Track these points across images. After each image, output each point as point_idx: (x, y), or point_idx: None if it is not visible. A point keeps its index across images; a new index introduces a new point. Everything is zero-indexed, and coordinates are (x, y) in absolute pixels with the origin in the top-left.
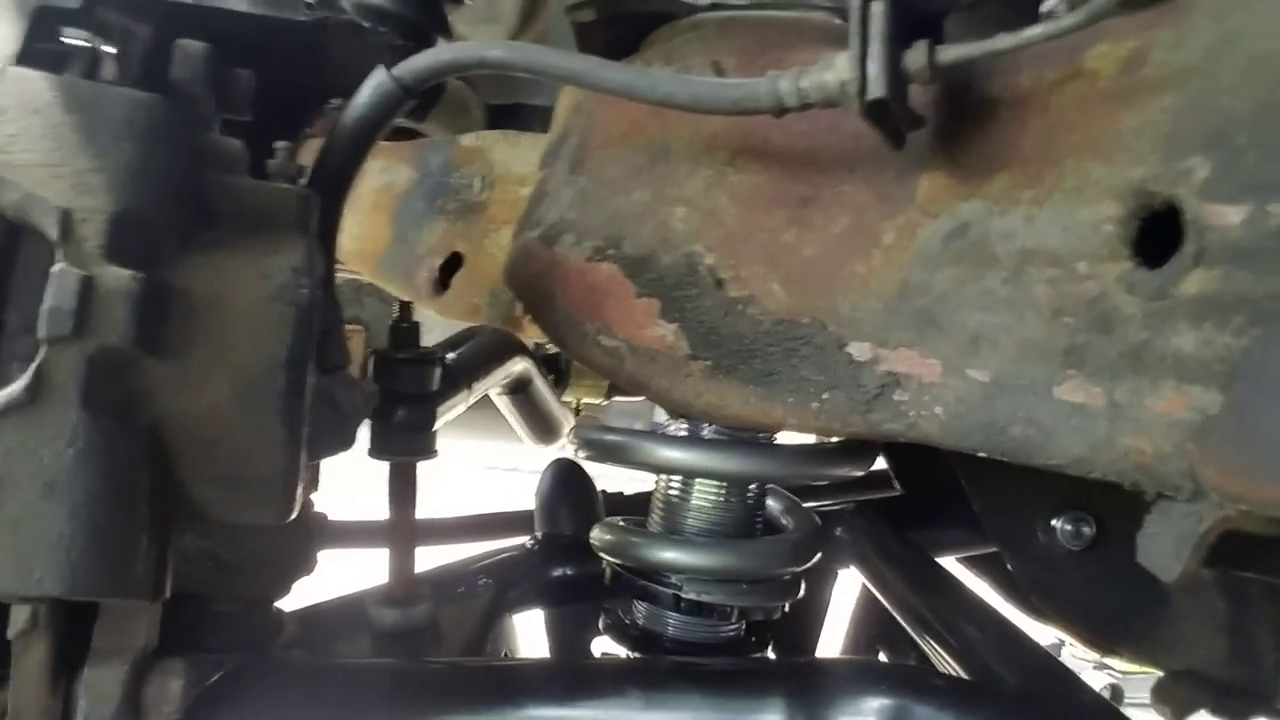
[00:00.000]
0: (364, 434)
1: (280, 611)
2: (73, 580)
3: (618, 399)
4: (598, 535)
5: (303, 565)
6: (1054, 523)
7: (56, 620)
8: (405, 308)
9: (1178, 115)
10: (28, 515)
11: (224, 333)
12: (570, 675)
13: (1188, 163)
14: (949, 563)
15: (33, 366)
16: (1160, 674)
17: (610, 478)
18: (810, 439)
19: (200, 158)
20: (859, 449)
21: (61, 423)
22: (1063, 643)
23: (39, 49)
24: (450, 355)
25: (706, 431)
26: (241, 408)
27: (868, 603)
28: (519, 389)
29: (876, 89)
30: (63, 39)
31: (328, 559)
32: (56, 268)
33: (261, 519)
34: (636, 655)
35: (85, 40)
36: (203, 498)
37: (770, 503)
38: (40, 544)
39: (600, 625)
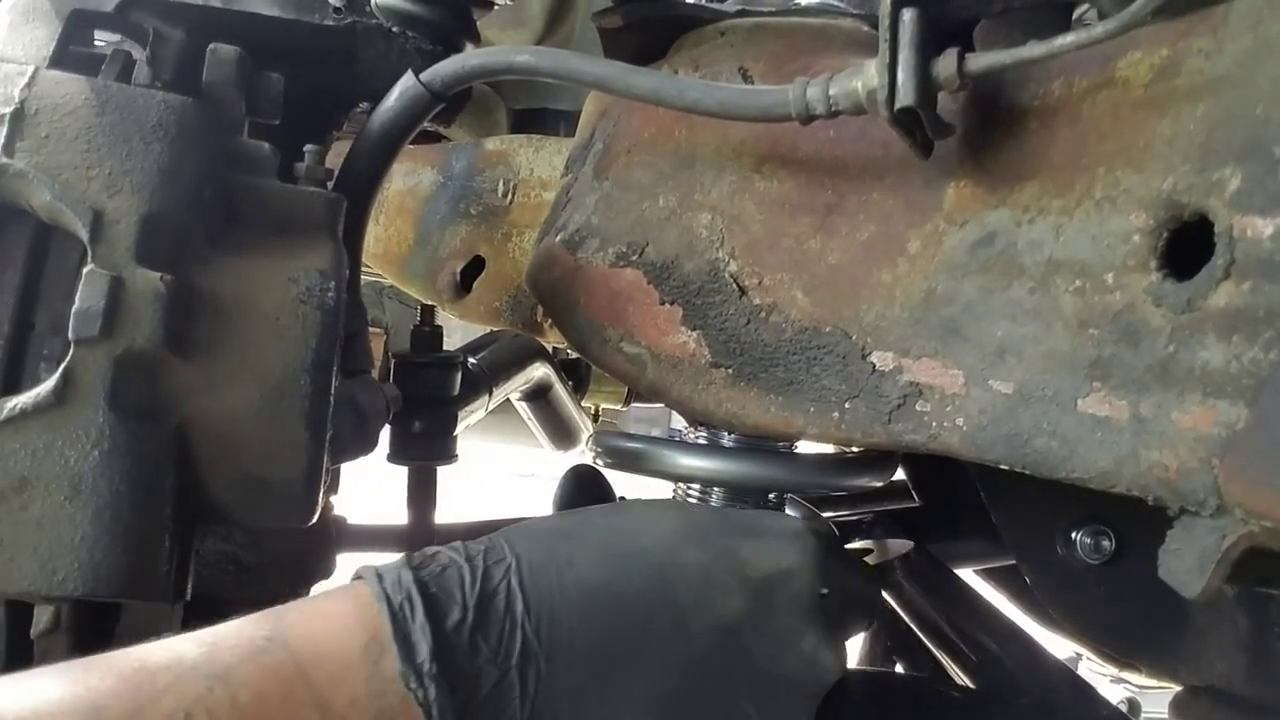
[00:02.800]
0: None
1: None
2: (95, 581)
3: (636, 405)
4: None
5: (322, 568)
6: (1074, 536)
7: (79, 620)
8: (428, 311)
9: (1211, 125)
10: (53, 515)
11: (250, 335)
12: None
13: (1220, 173)
14: (967, 574)
15: (61, 367)
16: (1178, 689)
17: (629, 484)
18: (830, 449)
19: (229, 161)
20: (879, 459)
21: (88, 424)
22: (1080, 656)
23: (73, 52)
24: (471, 359)
25: (726, 440)
26: (266, 410)
27: (885, 614)
28: (539, 394)
29: (905, 97)
30: (96, 42)
31: (346, 562)
32: (88, 268)
33: (283, 522)
34: None
35: (118, 44)
36: (225, 500)
37: (789, 512)
38: (64, 544)
39: None
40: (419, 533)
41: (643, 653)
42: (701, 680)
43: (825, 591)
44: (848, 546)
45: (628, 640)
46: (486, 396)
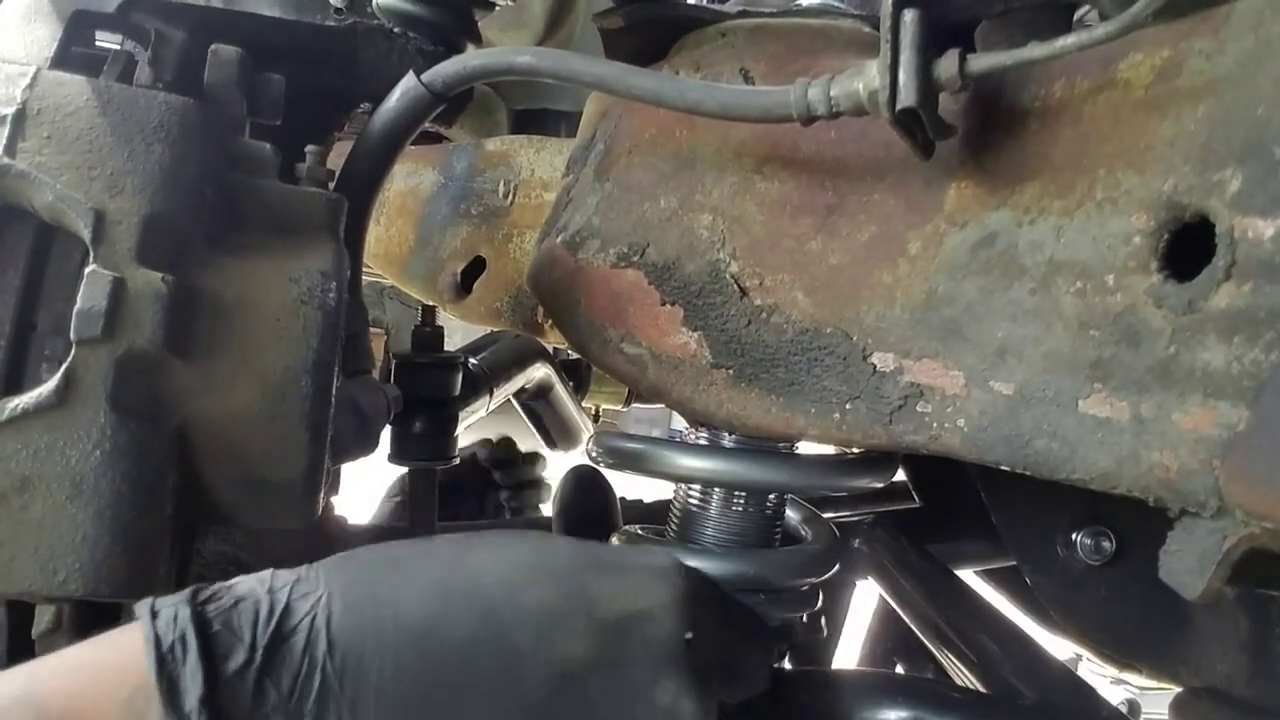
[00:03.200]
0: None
1: None
2: (96, 581)
3: (637, 405)
4: (616, 543)
5: None
6: (1074, 537)
7: (80, 621)
8: (429, 312)
9: (1212, 126)
10: (54, 516)
11: (251, 336)
12: None
13: (1221, 174)
14: (968, 575)
15: (62, 368)
16: (1179, 690)
17: (629, 484)
18: (830, 449)
19: (231, 161)
20: (880, 460)
21: (90, 424)
22: (1080, 656)
23: (74, 53)
24: (472, 360)
25: (727, 441)
26: (267, 411)
27: (885, 615)
28: (540, 394)
29: (907, 98)
30: (98, 43)
31: None
32: (89, 269)
33: (284, 522)
34: None
35: (120, 44)
36: (226, 500)
37: (789, 513)
38: (65, 544)
39: None
40: (420, 533)
41: (467, 701)
42: None
43: (689, 636)
44: None
45: (451, 686)
46: (487, 397)
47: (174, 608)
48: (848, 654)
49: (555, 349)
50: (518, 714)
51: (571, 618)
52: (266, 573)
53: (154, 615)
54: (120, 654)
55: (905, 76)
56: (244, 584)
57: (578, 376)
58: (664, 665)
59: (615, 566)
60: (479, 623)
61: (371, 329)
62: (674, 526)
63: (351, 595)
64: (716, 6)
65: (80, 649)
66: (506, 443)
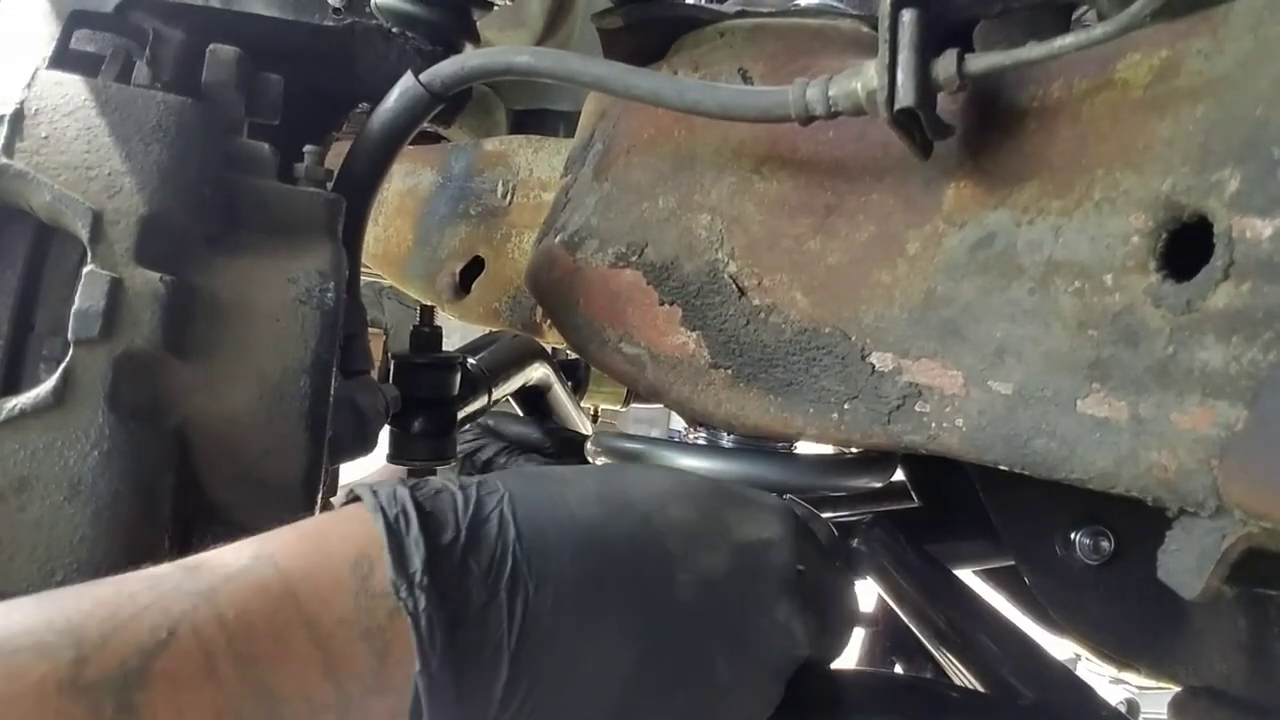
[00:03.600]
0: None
1: None
2: None
3: (635, 405)
4: None
5: None
6: (1073, 537)
7: None
8: (427, 312)
9: (1210, 126)
10: (52, 516)
11: (249, 336)
12: None
13: (1219, 174)
14: (966, 575)
15: (60, 368)
16: (1178, 689)
17: None
18: (829, 449)
19: (229, 161)
20: (878, 460)
21: (88, 424)
22: (1080, 656)
23: (72, 52)
24: (471, 360)
25: (725, 440)
26: (265, 411)
27: (884, 614)
28: (538, 395)
29: (905, 98)
30: (96, 43)
31: None
32: (87, 269)
33: (282, 523)
34: None
35: (118, 44)
36: (224, 500)
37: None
38: (63, 545)
39: None
40: None
41: (629, 594)
42: (682, 631)
43: (801, 568)
44: None
45: (615, 580)
46: (486, 397)
47: (391, 488)
48: (847, 654)
49: (554, 349)
50: (669, 609)
51: (712, 535)
52: (448, 475)
53: (374, 493)
54: (345, 524)
55: (903, 76)
56: (436, 480)
57: (576, 376)
58: (782, 587)
59: (741, 499)
60: (636, 528)
61: (370, 329)
62: None
63: (527, 497)
64: (715, 6)
65: (304, 523)
66: None
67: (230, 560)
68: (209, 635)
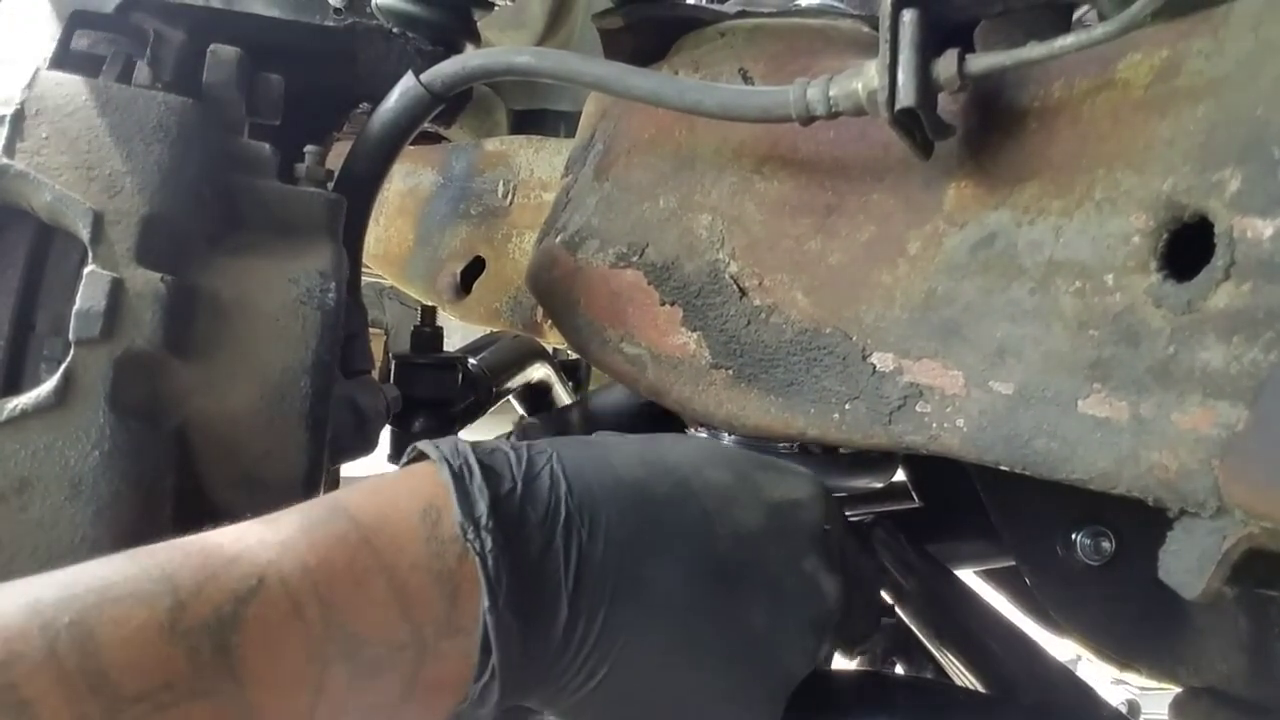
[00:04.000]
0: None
1: None
2: None
3: None
4: None
5: None
6: (1074, 537)
7: None
8: (428, 312)
9: (1211, 126)
10: (53, 516)
11: (250, 336)
12: None
13: (1220, 174)
14: (967, 575)
15: (61, 368)
16: (1178, 690)
17: None
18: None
19: (230, 161)
20: (879, 460)
21: (89, 425)
22: (1080, 657)
23: (73, 52)
24: (471, 360)
25: (726, 440)
26: (266, 411)
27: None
28: (539, 395)
29: (906, 98)
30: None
31: None
32: (88, 269)
33: None
34: None
35: (118, 45)
36: (225, 500)
37: None
38: (64, 545)
39: None
40: None
41: (672, 547)
42: (721, 581)
43: (827, 527)
44: None
45: (658, 534)
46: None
47: (452, 443)
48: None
49: (555, 349)
50: (708, 561)
51: (745, 495)
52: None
53: (438, 448)
54: (412, 479)
55: (904, 76)
56: (489, 442)
57: (577, 377)
58: (811, 543)
59: (771, 464)
60: (675, 488)
61: (371, 329)
62: None
63: (574, 458)
64: (716, 6)
65: (374, 480)
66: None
67: (308, 514)
68: (295, 582)
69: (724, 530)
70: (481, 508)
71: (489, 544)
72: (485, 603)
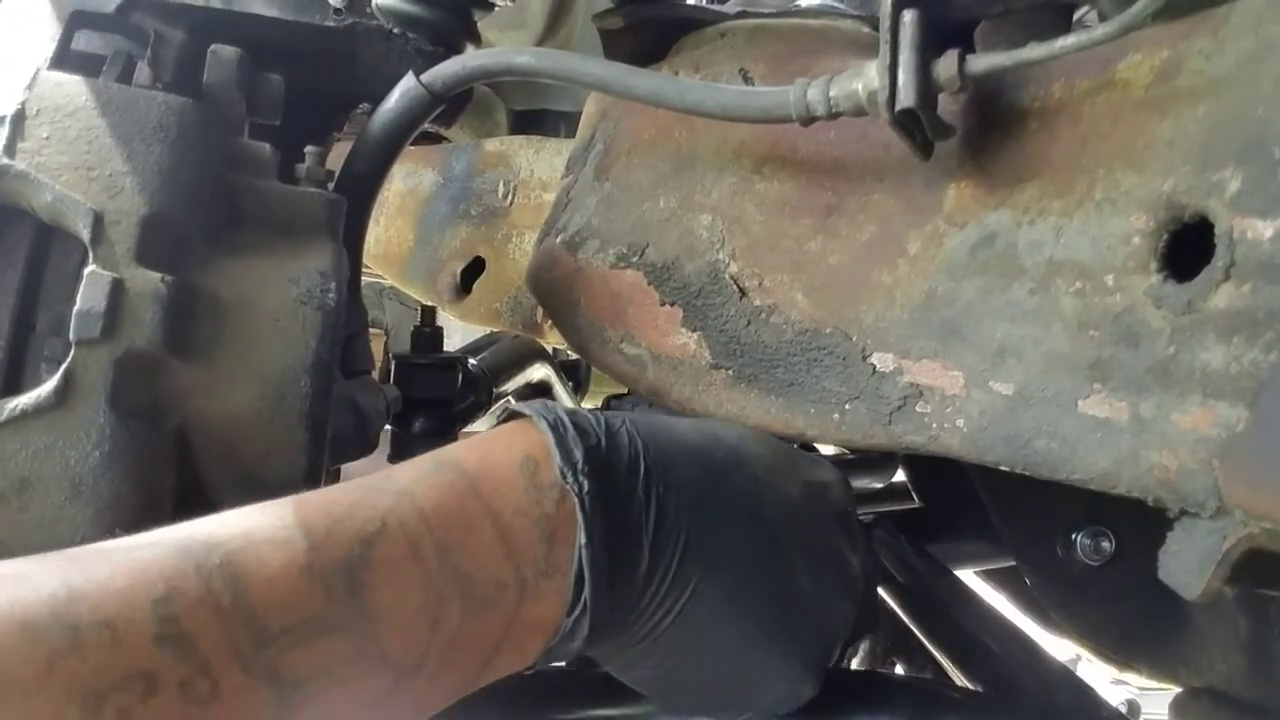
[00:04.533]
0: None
1: None
2: None
3: None
4: None
5: None
6: (1074, 537)
7: None
8: (428, 313)
9: (1211, 126)
10: (53, 516)
11: (250, 336)
12: (579, 683)
13: (1220, 175)
14: (967, 575)
15: (62, 368)
16: (1179, 690)
17: None
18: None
19: (230, 162)
20: (879, 460)
21: (89, 425)
22: (1080, 657)
23: (73, 53)
24: (472, 361)
25: None
26: (266, 411)
27: (884, 614)
28: (539, 395)
29: (906, 98)
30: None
31: None
32: (88, 269)
33: None
34: None
35: (119, 45)
36: (225, 501)
37: None
38: (64, 545)
39: None
40: None
41: (733, 505)
42: (773, 546)
43: (849, 509)
44: None
45: (720, 494)
46: (487, 398)
47: (542, 403)
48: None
49: (555, 349)
50: (760, 523)
51: (786, 470)
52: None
53: (532, 408)
54: (509, 435)
55: (904, 77)
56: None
57: (577, 377)
58: (839, 520)
59: (798, 451)
60: (730, 454)
61: (371, 330)
62: None
63: (643, 423)
64: (716, 7)
65: (473, 438)
66: None
67: (417, 466)
68: (413, 526)
69: (772, 496)
70: (578, 455)
71: (586, 486)
72: (582, 538)
